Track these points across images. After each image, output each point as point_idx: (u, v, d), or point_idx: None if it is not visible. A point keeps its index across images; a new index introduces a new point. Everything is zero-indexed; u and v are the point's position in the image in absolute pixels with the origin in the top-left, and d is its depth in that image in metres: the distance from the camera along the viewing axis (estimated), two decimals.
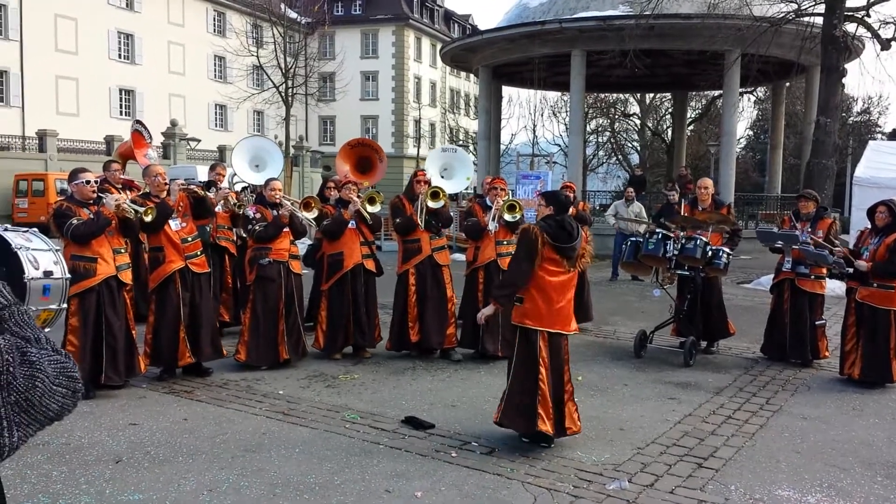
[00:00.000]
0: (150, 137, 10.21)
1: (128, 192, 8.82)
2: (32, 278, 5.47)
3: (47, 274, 5.61)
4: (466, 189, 14.82)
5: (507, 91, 36.54)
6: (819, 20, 16.77)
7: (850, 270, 7.33)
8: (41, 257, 5.59)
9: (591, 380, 7.26)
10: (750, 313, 10.90)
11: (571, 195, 9.46)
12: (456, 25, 63.61)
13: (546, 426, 5.15)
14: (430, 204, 7.88)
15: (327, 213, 7.92)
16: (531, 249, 5.17)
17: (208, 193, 7.31)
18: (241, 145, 9.22)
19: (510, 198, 8.20)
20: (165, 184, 6.99)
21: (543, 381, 5.18)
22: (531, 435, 5.31)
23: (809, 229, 7.96)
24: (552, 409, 5.20)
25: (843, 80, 18.22)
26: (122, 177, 9.22)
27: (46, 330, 5.82)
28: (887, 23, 17.10)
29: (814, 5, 16.93)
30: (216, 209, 8.04)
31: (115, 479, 4.66)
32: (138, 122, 10.24)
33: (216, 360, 7.30)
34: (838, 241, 7.88)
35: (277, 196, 7.56)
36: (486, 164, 25.84)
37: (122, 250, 6.65)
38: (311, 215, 7.74)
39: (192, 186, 7.24)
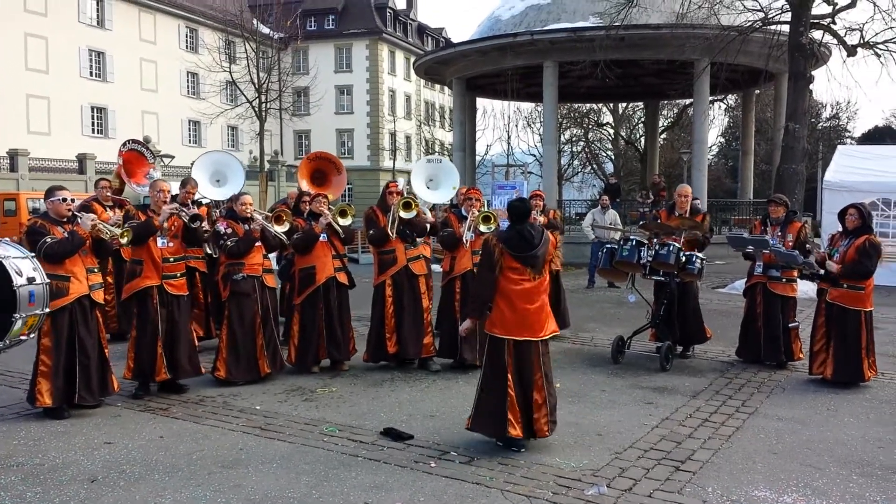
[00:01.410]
0: (153, 157, 10.03)
1: (116, 211, 8.78)
2: (20, 286, 5.47)
3: (31, 280, 5.60)
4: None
5: (482, 103, 36.80)
6: (786, 28, 17.02)
7: (822, 272, 7.43)
8: (22, 265, 5.59)
9: (568, 386, 7.28)
10: (725, 317, 11.01)
11: (541, 203, 9.50)
12: (429, 39, 63.87)
13: (516, 430, 5.27)
14: (402, 214, 7.88)
15: (298, 226, 7.90)
16: (490, 261, 5.32)
17: (192, 224, 7.20)
18: (200, 161, 9.17)
19: (485, 209, 8.21)
20: (165, 201, 6.95)
21: (511, 387, 5.28)
22: (503, 440, 5.41)
23: (780, 234, 8.07)
24: (520, 414, 5.30)
25: (811, 87, 18.51)
26: (111, 195, 9.17)
27: (31, 336, 5.80)
28: (853, 29, 17.40)
29: (780, 13, 17.19)
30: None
31: (91, 499, 4.60)
32: (135, 141, 9.96)
33: (193, 377, 7.24)
34: (811, 243, 7.99)
35: (249, 210, 7.52)
36: (462, 175, 25.77)
37: (96, 269, 6.58)
38: (282, 229, 7.70)
39: (181, 212, 7.12)
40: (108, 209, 8.93)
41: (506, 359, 5.31)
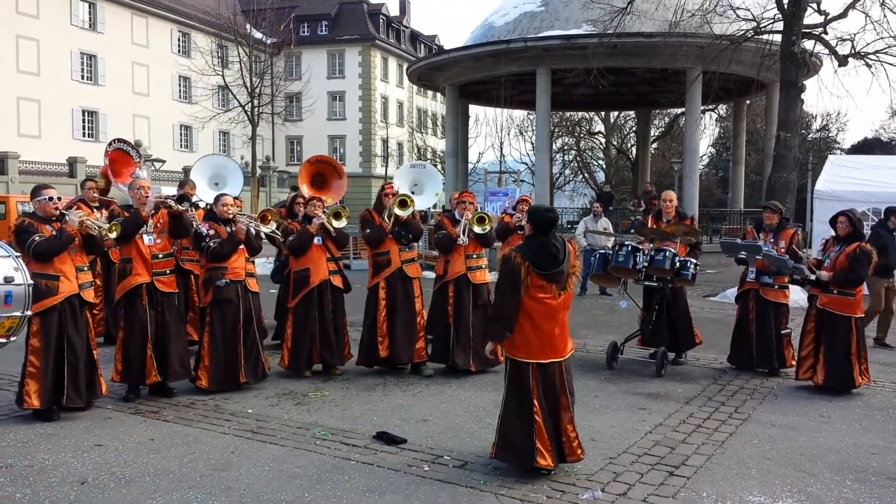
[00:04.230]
0: (139, 156, 9.91)
1: (103, 212, 8.70)
2: None
3: (8, 280, 5.47)
4: (434, 206, 14.82)
5: (474, 110, 36.88)
6: (778, 37, 17.11)
7: (813, 277, 7.45)
8: (2, 264, 5.44)
9: None
10: (716, 325, 11.02)
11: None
12: (422, 46, 63.96)
13: (546, 460, 4.86)
14: (398, 212, 7.85)
15: (293, 229, 7.85)
16: (515, 280, 4.84)
17: (180, 207, 7.15)
18: (200, 163, 9.11)
19: (479, 210, 8.23)
20: (147, 197, 6.89)
21: (538, 413, 4.88)
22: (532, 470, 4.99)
23: (772, 240, 8.10)
24: (549, 441, 4.91)
25: (802, 97, 18.62)
26: (97, 196, 9.08)
27: (13, 339, 5.71)
28: (844, 39, 17.50)
29: (772, 23, 17.27)
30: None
31: (80, 501, 4.56)
32: (120, 140, 9.80)
33: (184, 378, 7.17)
34: (803, 252, 8.02)
35: (230, 211, 7.35)
36: (455, 181, 25.92)
37: (85, 268, 6.52)
38: (268, 229, 7.59)
39: (167, 200, 7.10)
40: (95, 210, 8.86)
41: (530, 383, 4.91)
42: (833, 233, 7.66)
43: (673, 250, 8.14)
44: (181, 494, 4.66)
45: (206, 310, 7.28)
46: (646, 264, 8.18)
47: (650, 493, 4.75)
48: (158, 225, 6.98)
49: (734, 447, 5.71)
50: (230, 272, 7.24)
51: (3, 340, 5.55)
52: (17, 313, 5.57)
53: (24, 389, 6.15)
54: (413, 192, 8.68)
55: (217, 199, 7.55)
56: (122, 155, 9.53)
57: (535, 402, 4.90)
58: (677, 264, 8.14)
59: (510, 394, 5.03)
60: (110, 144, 9.55)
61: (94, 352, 6.57)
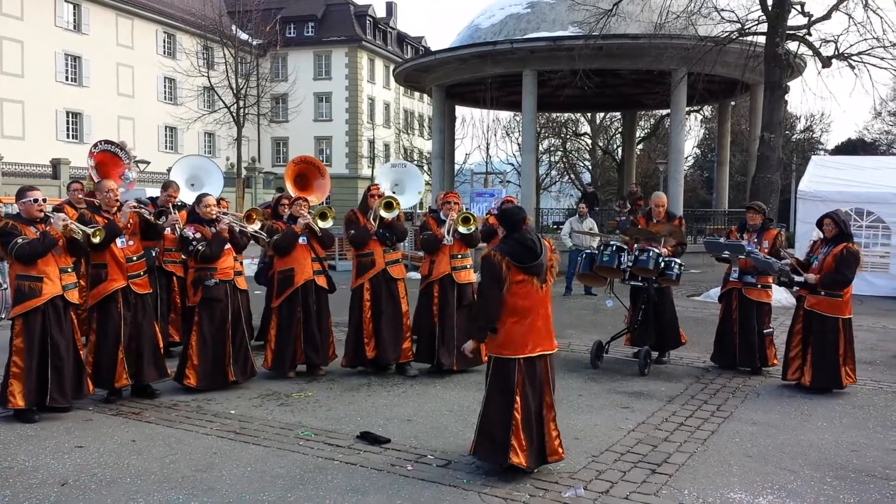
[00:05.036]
0: (129, 157, 9.74)
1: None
2: None
3: None
4: (420, 206, 14.83)
5: (461, 112, 36.89)
6: (762, 39, 17.24)
7: (801, 279, 7.47)
8: None
9: None
10: (700, 325, 11.08)
11: None
12: (409, 47, 63.96)
13: (519, 458, 4.86)
14: (384, 214, 7.86)
15: (278, 228, 7.83)
16: (496, 276, 4.90)
17: (159, 222, 7.13)
18: (178, 164, 9.09)
19: (464, 210, 8.24)
20: (117, 200, 6.86)
21: (518, 409, 4.90)
22: (507, 467, 4.99)
23: (756, 240, 8.14)
24: (526, 440, 4.91)
25: (786, 98, 18.74)
26: (83, 198, 8.97)
27: None
28: (827, 41, 17.65)
29: (757, 24, 17.40)
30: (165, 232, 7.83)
31: (61, 502, 4.53)
32: (107, 142, 9.58)
33: (160, 380, 7.12)
34: (786, 253, 8.07)
35: (213, 212, 7.34)
36: (441, 183, 25.92)
37: (69, 269, 6.49)
38: (253, 228, 7.58)
39: (143, 211, 7.07)
40: (80, 212, 8.79)
41: (515, 379, 4.92)
42: (817, 234, 7.68)
43: (657, 251, 8.16)
44: (163, 495, 4.64)
45: (195, 309, 7.27)
46: (630, 264, 8.21)
47: (633, 491, 4.77)
48: (129, 226, 6.94)
49: (716, 445, 5.74)
50: (219, 272, 7.26)
51: None
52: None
53: (9, 390, 6.12)
54: (394, 192, 8.69)
55: (199, 199, 7.51)
56: (110, 156, 9.32)
57: (518, 399, 4.92)
58: (661, 264, 8.17)
59: (492, 390, 5.03)
60: (96, 146, 9.30)
61: (80, 352, 6.54)
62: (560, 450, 5.09)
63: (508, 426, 4.89)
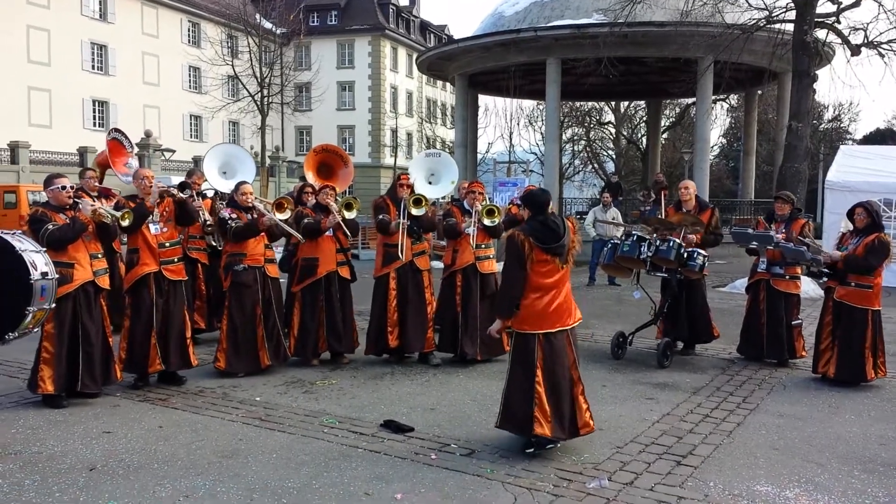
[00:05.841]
0: (132, 146, 9.93)
1: (103, 201, 8.72)
2: (35, 280, 5.48)
3: (44, 275, 5.61)
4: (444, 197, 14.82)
5: (484, 101, 36.78)
6: (790, 27, 16.99)
7: (828, 271, 7.36)
8: (36, 259, 5.61)
9: None
10: (726, 316, 10.98)
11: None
12: (432, 36, 63.82)
13: (543, 429, 5.02)
14: (413, 211, 7.86)
15: (307, 214, 7.83)
16: (519, 256, 5.09)
17: (182, 195, 7.18)
18: (212, 152, 9.12)
19: (488, 203, 8.20)
20: (150, 186, 6.92)
21: (540, 383, 5.07)
22: (535, 440, 5.15)
23: (783, 231, 8.03)
24: (552, 411, 5.08)
25: (814, 86, 18.49)
26: (97, 185, 9.08)
27: (35, 330, 5.80)
28: (857, 29, 17.38)
29: (785, 12, 17.14)
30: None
31: (89, 487, 4.58)
32: (117, 130, 9.88)
33: (183, 369, 7.18)
34: (812, 242, 7.94)
35: (249, 199, 7.47)
36: (463, 171, 25.83)
37: (99, 255, 6.56)
38: (283, 216, 7.62)
39: (169, 189, 7.13)
40: (94, 199, 8.87)
41: (536, 354, 5.11)
42: (846, 225, 7.56)
43: (679, 240, 8.03)
44: (189, 481, 4.69)
45: (226, 294, 7.46)
46: (650, 254, 8.08)
47: (657, 483, 4.74)
48: (164, 213, 7.00)
49: (742, 437, 5.69)
50: (249, 258, 7.37)
51: (30, 330, 5.67)
52: (46, 306, 5.70)
53: (39, 375, 6.19)
54: (430, 182, 8.67)
55: (237, 187, 7.65)
56: (115, 144, 9.58)
57: (539, 372, 5.12)
58: (684, 255, 8.05)
59: (515, 364, 5.24)
60: (109, 133, 9.71)
61: (109, 338, 6.61)
62: (591, 422, 5.27)
63: (532, 399, 5.08)
